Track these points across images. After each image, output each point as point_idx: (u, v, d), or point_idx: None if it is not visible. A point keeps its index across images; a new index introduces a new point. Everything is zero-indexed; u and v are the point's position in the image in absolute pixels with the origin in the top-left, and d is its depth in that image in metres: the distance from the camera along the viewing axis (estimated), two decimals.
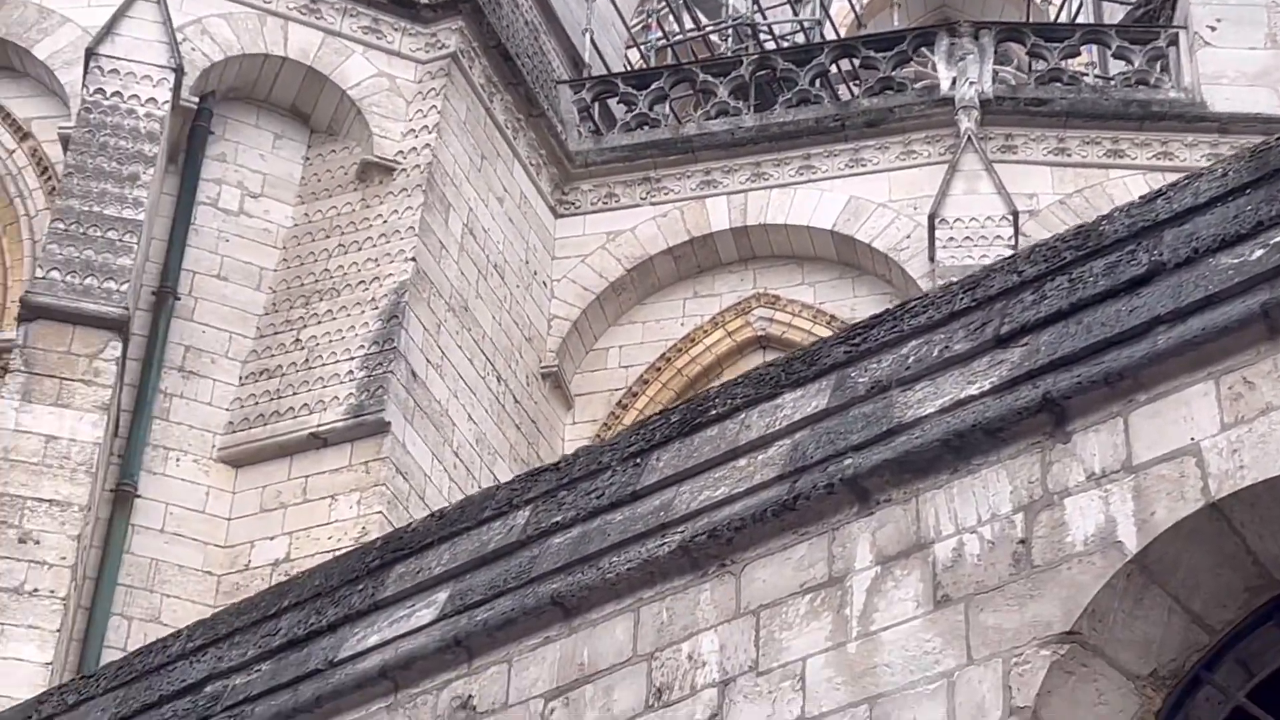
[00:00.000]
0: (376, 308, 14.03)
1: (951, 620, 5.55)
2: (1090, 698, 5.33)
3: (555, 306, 16.32)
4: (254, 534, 13.28)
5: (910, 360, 6.13)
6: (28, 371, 12.73)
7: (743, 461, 6.35)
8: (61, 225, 13.39)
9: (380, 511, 13.07)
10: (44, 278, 13.15)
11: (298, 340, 14.09)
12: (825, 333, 15.36)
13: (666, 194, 16.69)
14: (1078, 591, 5.37)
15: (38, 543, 12.10)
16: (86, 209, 13.44)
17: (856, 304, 15.97)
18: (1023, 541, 5.55)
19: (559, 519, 6.74)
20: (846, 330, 6.49)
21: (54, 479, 12.37)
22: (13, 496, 12.27)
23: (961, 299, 6.17)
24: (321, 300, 14.26)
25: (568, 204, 16.80)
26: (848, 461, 6.00)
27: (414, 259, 14.28)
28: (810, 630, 5.82)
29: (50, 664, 11.72)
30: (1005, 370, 5.82)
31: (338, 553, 12.00)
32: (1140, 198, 6.06)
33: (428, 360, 14.20)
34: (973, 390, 5.85)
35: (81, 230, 13.34)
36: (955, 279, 6.49)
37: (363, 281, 14.28)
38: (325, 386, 13.70)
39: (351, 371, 13.71)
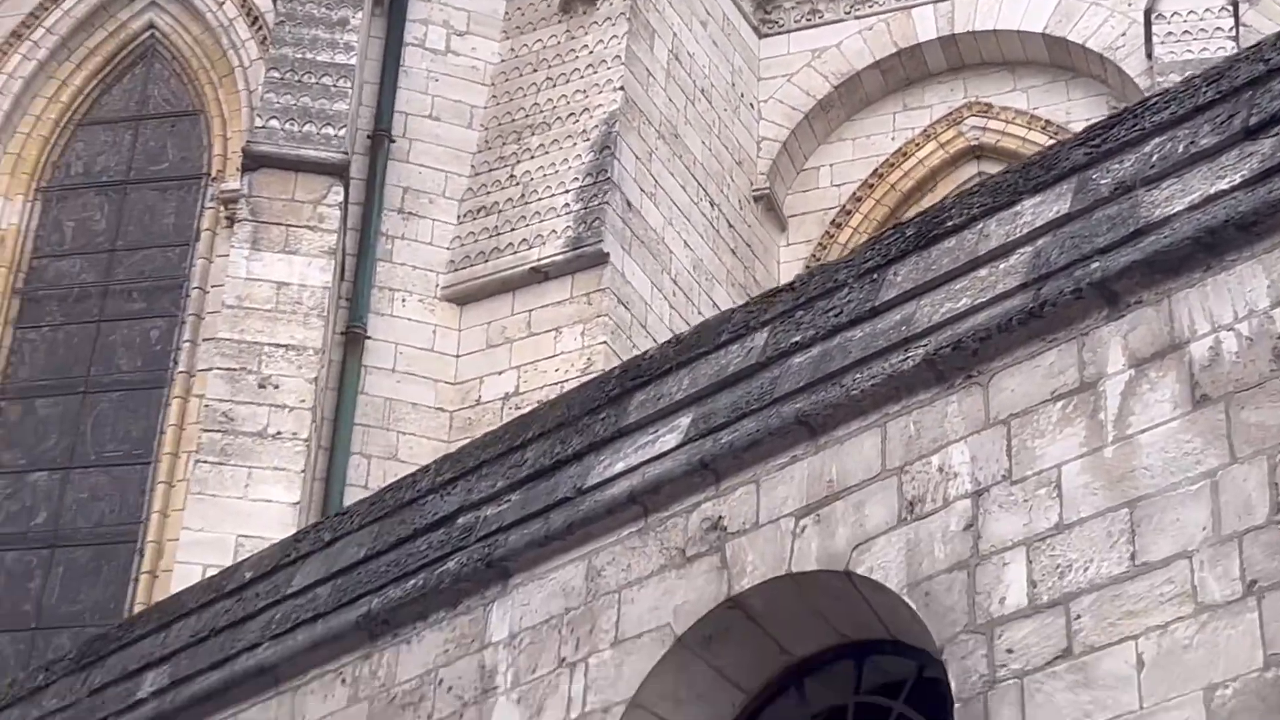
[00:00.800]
0: (588, 139, 14.03)
1: (1211, 420, 5.47)
2: None
3: (764, 128, 16.19)
4: (482, 370, 13.47)
5: (1154, 158, 5.99)
6: (255, 220, 12.98)
7: (984, 271, 6.28)
8: (277, 74, 13.55)
9: (604, 342, 13.17)
10: (263, 127, 13.34)
11: (512, 176, 14.16)
12: (1041, 139, 15.07)
13: (871, 6, 16.41)
14: None
15: (277, 387, 12.40)
16: (300, 56, 13.58)
17: (1071, 107, 15.62)
18: None
19: (798, 339, 6.72)
20: (1086, 132, 6.35)
21: (288, 324, 12.64)
22: (250, 343, 12.56)
23: (1205, 92, 6.00)
24: (533, 135, 14.29)
25: (771, 23, 16.60)
26: (1094, 265, 5.90)
27: (622, 88, 14.23)
28: (1064, 437, 5.77)
29: (298, 503, 12.04)
30: (1256, 162, 5.66)
31: (565, 385, 12.17)
32: None
33: (641, 189, 14.20)
34: (1223, 185, 5.70)
35: (296, 78, 13.49)
36: (1177, 74, 6.31)
37: (572, 114, 14.28)
38: (542, 221, 13.78)
39: (567, 204, 13.76)
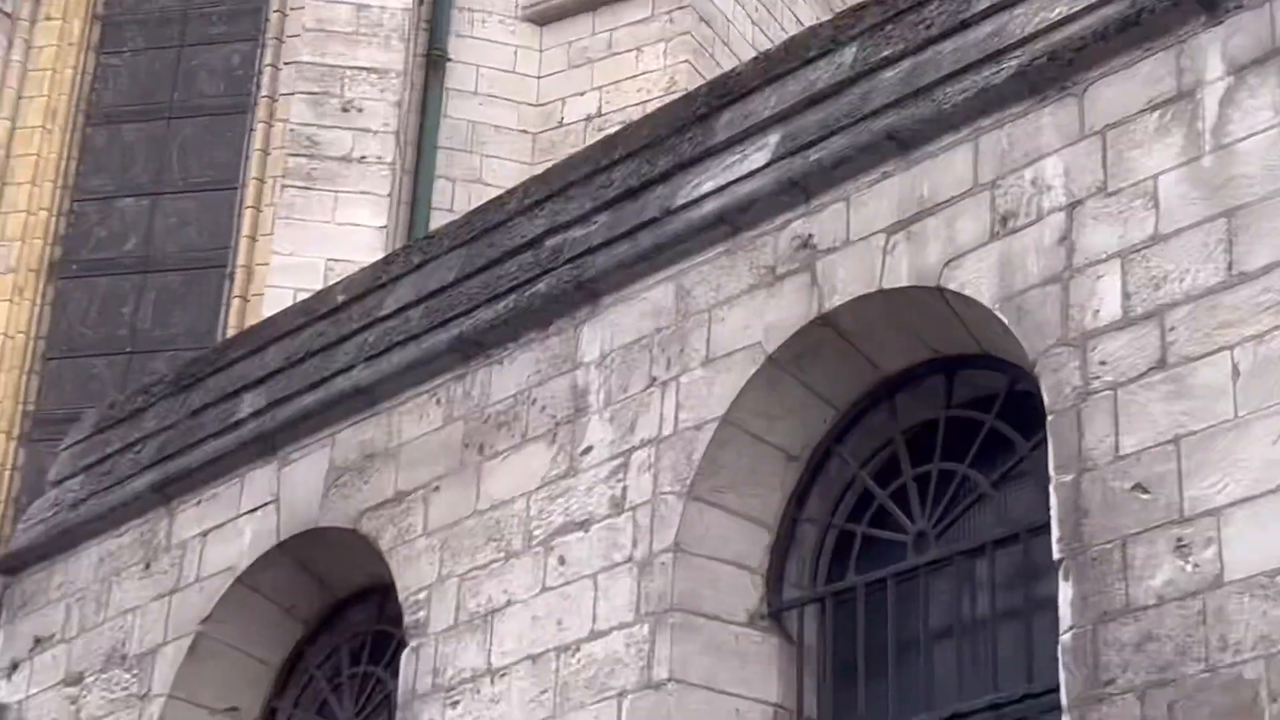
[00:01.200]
0: None
1: None
2: None
3: None
4: (564, 91, 13.38)
5: None
6: None
7: None
8: None
9: (687, 60, 13.03)
10: None
11: None
12: None
13: None
14: None
15: (360, 110, 12.39)
16: None
17: None
18: None
19: (887, 53, 6.63)
20: None
21: (369, 47, 12.57)
22: (331, 67, 12.52)
23: None
24: None
25: None
26: None
27: None
28: (1161, 147, 5.69)
29: (384, 227, 12.10)
30: None
31: (648, 105, 12.07)
32: None
33: None
34: None
35: None
36: None
37: None
38: None
39: None
